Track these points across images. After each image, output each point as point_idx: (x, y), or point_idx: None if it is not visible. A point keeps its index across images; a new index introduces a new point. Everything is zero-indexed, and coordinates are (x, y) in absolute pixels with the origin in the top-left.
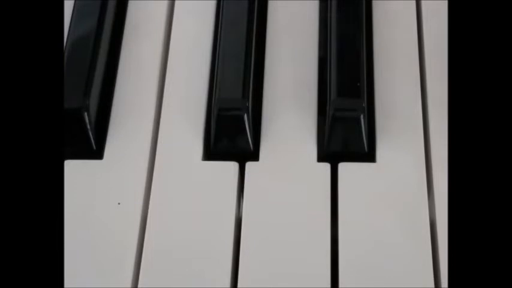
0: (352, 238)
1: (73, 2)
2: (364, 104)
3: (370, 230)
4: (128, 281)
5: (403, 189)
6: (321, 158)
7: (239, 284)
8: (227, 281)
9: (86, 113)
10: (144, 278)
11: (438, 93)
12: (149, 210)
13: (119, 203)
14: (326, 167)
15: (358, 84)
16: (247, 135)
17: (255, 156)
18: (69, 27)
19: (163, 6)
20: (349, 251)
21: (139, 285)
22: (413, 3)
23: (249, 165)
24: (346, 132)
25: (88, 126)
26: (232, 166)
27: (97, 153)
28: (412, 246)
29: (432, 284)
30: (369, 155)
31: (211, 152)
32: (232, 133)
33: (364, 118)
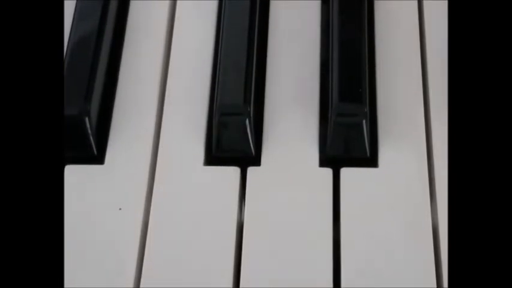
0: (355, 243)
1: (73, 2)
2: (366, 109)
3: (372, 235)
4: (130, 286)
5: (405, 194)
6: (322, 163)
7: None
8: (229, 286)
9: (87, 118)
10: (145, 284)
11: (440, 96)
12: (150, 216)
13: (120, 209)
14: (328, 171)
15: (360, 90)
16: (248, 140)
17: (256, 161)
18: (71, 28)
19: (165, 8)
20: (352, 256)
21: None
22: (415, 3)
23: (251, 170)
24: (348, 137)
25: (89, 131)
26: (234, 171)
27: (98, 158)
28: (414, 251)
29: None
30: (371, 160)
31: (213, 157)
32: (233, 138)
33: (366, 123)
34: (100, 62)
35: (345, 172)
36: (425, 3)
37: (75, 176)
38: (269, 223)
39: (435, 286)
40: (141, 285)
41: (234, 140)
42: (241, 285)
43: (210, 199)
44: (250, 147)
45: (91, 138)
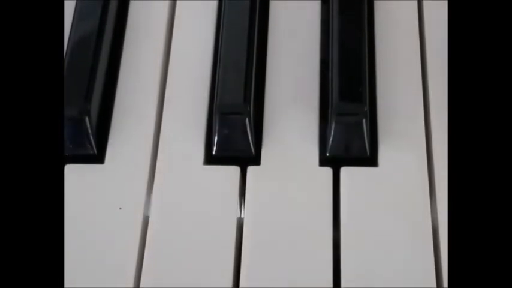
0: (354, 242)
1: (73, 2)
2: (366, 108)
3: (372, 235)
4: (130, 286)
5: (405, 194)
6: (322, 163)
7: None
8: (229, 286)
9: (87, 118)
10: (145, 284)
11: (440, 96)
12: (150, 216)
13: (120, 208)
14: (328, 171)
15: (360, 89)
16: (248, 140)
17: (256, 161)
18: (71, 28)
19: (165, 8)
20: (352, 255)
21: None
22: (415, 3)
23: (251, 170)
24: (348, 136)
25: (89, 131)
26: (234, 170)
27: (98, 157)
28: (414, 251)
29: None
30: (371, 159)
31: (213, 157)
32: (233, 137)
33: (366, 123)
34: (100, 62)
35: (345, 171)
36: (425, 3)
37: (75, 175)
38: (269, 223)
39: (435, 286)
40: (141, 285)
41: (233, 139)
42: (241, 285)
43: (210, 199)
44: (250, 146)
45: (91, 137)
